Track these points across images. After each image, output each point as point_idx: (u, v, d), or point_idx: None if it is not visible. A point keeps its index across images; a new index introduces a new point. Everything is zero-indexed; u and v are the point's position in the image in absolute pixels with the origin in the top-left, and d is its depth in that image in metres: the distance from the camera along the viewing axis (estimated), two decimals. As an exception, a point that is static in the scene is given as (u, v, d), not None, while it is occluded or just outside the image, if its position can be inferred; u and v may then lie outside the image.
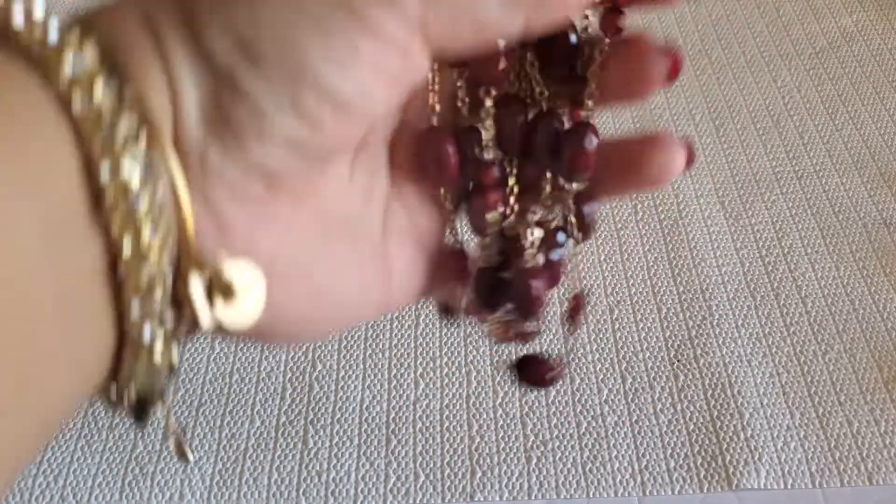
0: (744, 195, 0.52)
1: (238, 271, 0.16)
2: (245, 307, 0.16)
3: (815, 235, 0.49)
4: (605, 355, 0.43)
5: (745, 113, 0.58)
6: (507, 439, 0.40)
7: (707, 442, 0.40)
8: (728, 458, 0.39)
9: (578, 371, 0.43)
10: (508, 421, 0.41)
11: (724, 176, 0.53)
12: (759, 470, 0.39)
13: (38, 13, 0.15)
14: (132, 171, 0.15)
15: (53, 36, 0.15)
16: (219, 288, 0.16)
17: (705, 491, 0.38)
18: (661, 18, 0.67)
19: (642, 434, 0.40)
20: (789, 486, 0.38)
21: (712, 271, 0.47)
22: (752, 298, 0.46)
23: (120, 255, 0.15)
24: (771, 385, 0.42)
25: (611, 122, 0.57)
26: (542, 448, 0.40)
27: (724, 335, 0.44)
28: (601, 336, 0.44)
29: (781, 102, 0.58)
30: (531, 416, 0.41)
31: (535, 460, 0.40)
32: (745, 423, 0.40)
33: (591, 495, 0.38)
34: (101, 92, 0.15)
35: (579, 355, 0.44)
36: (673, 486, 0.38)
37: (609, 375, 0.43)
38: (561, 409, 0.41)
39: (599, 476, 0.39)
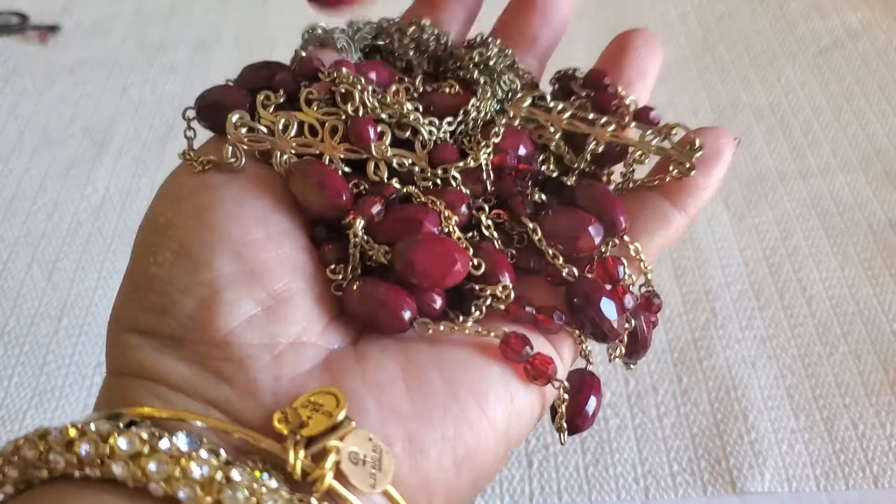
0: (748, 195, 0.51)
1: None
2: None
3: (819, 236, 0.48)
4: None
5: (748, 111, 0.57)
6: (508, 442, 0.40)
7: (711, 445, 0.39)
8: (732, 461, 0.39)
9: (580, 373, 0.42)
10: (509, 424, 0.40)
11: (728, 175, 0.52)
12: (764, 473, 0.38)
13: None
14: None
15: None
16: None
17: (709, 495, 0.38)
18: (663, 16, 0.66)
19: (645, 437, 0.40)
20: (794, 490, 0.38)
21: (716, 272, 0.47)
22: (757, 300, 0.45)
23: None
24: (775, 387, 0.41)
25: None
26: (544, 451, 0.39)
27: (728, 337, 0.43)
28: (603, 338, 0.44)
29: (785, 101, 0.58)
30: (532, 418, 0.41)
31: (536, 464, 0.39)
32: (749, 426, 0.40)
33: (593, 499, 0.38)
34: None
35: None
36: (676, 490, 0.38)
37: (611, 378, 0.42)
38: (563, 411, 0.41)
39: (602, 480, 0.38)
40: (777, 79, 0.59)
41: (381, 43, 0.28)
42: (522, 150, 0.25)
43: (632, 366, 0.25)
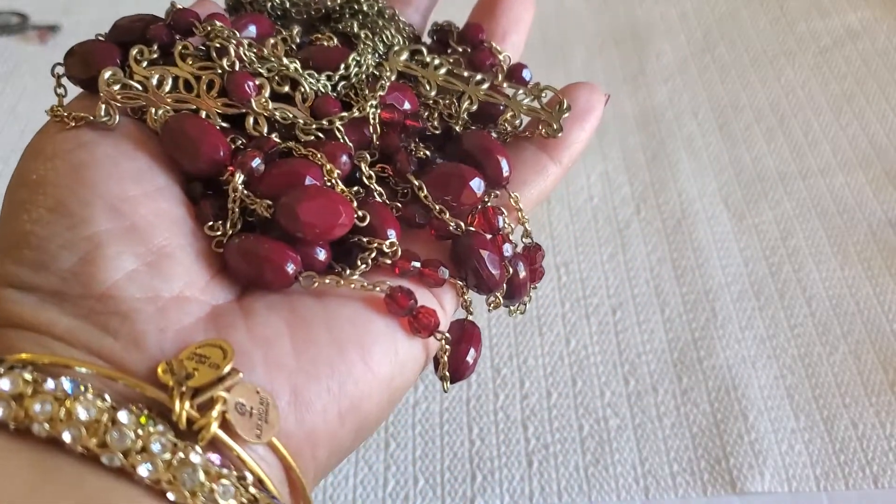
0: (748, 195, 0.51)
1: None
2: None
3: (819, 236, 0.48)
4: (607, 357, 0.43)
5: (748, 111, 0.57)
6: (507, 443, 0.40)
7: (711, 445, 0.39)
8: (732, 461, 0.39)
9: (580, 374, 0.42)
10: (509, 424, 0.40)
11: (728, 175, 0.52)
12: (763, 473, 0.38)
13: None
14: None
15: None
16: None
17: (709, 495, 0.38)
18: (663, 15, 0.66)
19: (645, 437, 0.40)
20: (794, 490, 0.38)
21: (716, 272, 0.47)
22: (757, 300, 0.45)
23: None
24: (775, 387, 0.41)
25: (612, 119, 0.57)
26: (544, 452, 0.39)
27: (728, 337, 0.43)
28: (604, 338, 0.44)
29: (785, 101, 0.58)
30: (532, 419, 0.41)
31: (536, 464, 0.39)
32: (749, 426, 0.40)
33: (593, 499, 0.38)
34: None
35: (581, 357, 0.43)
36: (676, 490, 0.38)
37: (612, 378, 0.42)
38: (563, 412, 0.41)
39: (602, 480, 0.38)
40: (777, 79, 0.59)
41: None
42: (407, 106, 0.25)
43: (512, 309, 0.25)
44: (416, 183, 0.23)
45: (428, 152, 0.25)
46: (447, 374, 0.23)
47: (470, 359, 0.23)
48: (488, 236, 0.23)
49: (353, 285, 0.21)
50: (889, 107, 0.56)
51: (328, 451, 0.19)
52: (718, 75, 0.60)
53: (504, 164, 0.24)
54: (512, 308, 0.25)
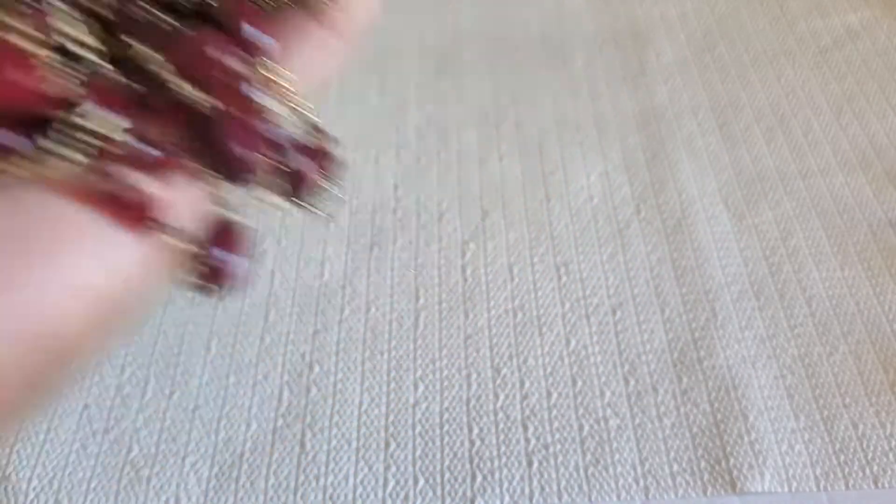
0: (748, 195, 0.51)
1: None
2: None
3: (819, 236, 0.48)
4: (607, 357, 0.43)
5: (748, 111, 0.57)
6: (507, 443, 0.40)
7: (711, 445, 0.39)
8: (732, 461, 0.39)
9: (580, 374, 0.42)
10: (509, 424, 0.40)
11: (728, 175, 0.52)
12: (764, 474, 0.38)
13: None
14: None
15: None
16: None
17: (709, 495, 0.38)
18: (663, 15, 0.66)
19: (645, 437, 0.40)
20: (794, 490, 0.38)
21: (716, 272, 0.47)
22: (757, 300, 0.45)
23: None
24: (775, 387, 0.41)
25: (612, 119, 0.57)
26: (544, 452, 0.39)
27: (728, 337, 0.43)
28: (604, 338, 0.44)
29: (785, 101, 0.58)
30: (532, 419, 0.41)
31: (536, 464, 0.39)
32: (749, 426, 0.40)
33: (593, 499, 0.38)
34: None
35: (581, 357, 0.43)
36: (676, 491, 0.38)
37: (612, 378, 0.42)
38: (563, 412, 0.41)
39: (602, 480, 0.38)
40: (777, 79, 0.59)
41: None
42: None
43: (313, 209, 0.21)
44: (133, 43, 0.18)
45: (175, 23, 0.19)
46: (206, 283, 0.18)
47: (227, 261, 0.19)
48: (244, 115, 0.19)
49: (48, 171, 0.16)
50: (889, 107, 0.56)
51: (16, 385, 0.15)
52: (718, 75, 0.60)
53: (248, 28, 0.19)
54: (311, 208, 0.21)
